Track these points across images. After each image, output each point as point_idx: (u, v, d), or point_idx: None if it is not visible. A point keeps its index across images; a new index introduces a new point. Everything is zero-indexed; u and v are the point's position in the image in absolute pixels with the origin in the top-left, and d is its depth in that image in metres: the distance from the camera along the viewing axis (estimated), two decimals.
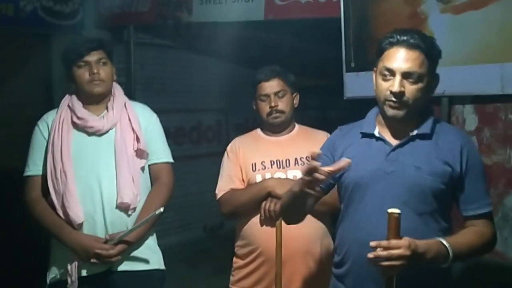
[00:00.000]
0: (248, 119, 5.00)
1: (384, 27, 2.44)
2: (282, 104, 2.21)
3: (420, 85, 1.57)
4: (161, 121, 2.22)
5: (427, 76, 1.58)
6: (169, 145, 2.22)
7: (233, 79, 4.91)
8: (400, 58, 1.56)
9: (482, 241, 1.60)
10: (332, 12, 2.80)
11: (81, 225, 1.99)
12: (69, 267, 1.97)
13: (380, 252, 1.40)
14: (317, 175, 1.44)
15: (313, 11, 2.97)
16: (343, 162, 1.47)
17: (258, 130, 2.33)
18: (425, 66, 1.57)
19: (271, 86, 2.21)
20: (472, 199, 1.61)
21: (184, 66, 4.77)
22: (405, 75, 1.55)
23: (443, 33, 2.36)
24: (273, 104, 2.20)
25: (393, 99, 1.56)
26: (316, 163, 1.43)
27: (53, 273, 2.06)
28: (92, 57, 2.04)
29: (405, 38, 1.56)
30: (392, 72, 1.56)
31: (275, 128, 2.26)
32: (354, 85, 2.66)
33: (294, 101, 2.28)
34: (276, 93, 2.21)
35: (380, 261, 1.41)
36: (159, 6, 3.67)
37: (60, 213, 1.99)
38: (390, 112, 1.59)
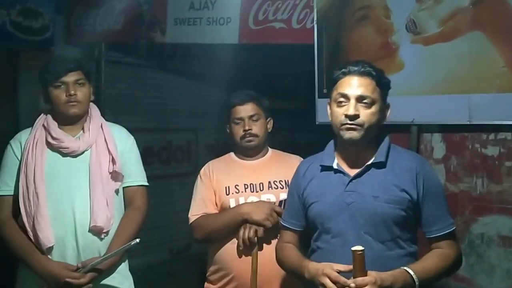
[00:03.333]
0: (219, 140, 4.98)
1: (356, 56, 2.51)
2: (256, 128, 2.22)
3: (373, 109, 1.66)
4: None
5: (379, 102, 1.67)
6: None
7: (204, 100, 4.90)
8: (353, 85, 1.66)
9: (447, 263, 1.64)
10: (305, 39, 2.85)
11: (51, 248, 1.92)
12: None
13: None
14: None
15: (287, 37, 3.01)
16: None
17: (232, 154, 2.33)
18: (376, 92, 1.67)
19: (246, 109, 2.22)
20: (434, 221, 1.67)
21: (155, 86, 4.74)
22: (359, 99, 1.65)
23: (413, 63, 2.44)
24: (247, 128, 2.20)
25: (349, 121, 1.63)
26: None
27: None
28: (70, 77, 1.99)
29: (356, 68, 1.68)
30: (346, 97, 1.66)
31: (248, 152, 2.26)
32: (326, 111, 2.70)
33: (268, 126, 2.29)
34: (250, 117, 2.22)
35: None
36: (132, 25, 3.65)
37: (30, 235, 1.92)
38: (346, 135, 1.65)
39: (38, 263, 1.90)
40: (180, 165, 5.06)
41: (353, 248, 1.44)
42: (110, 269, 1.99)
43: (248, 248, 2.07)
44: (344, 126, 1.65)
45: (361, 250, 1.43)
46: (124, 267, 2.08)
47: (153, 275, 4.31)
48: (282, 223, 1.90)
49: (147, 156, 4.68)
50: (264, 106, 2.28)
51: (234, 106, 2.24)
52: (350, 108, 1.64)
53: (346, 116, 1.64)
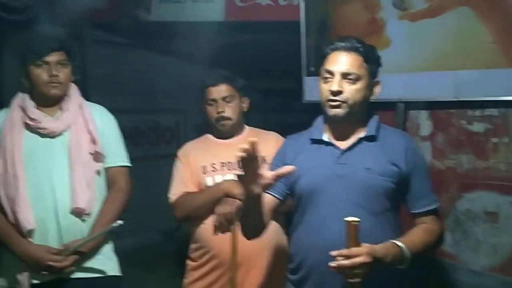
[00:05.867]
0: (208, 120, 4.95)
1: (343, 33, 2.47)
2: (229, 110, 2.20)
3: (358, 85, 1.65)
4: (118, 121, 2.16)
5: (366, 78, 1.66)
6: (126, 145, 2.16)
7: (193, 79, 4.82)
8: (339, 60, 1.66)
9: (433, 238, 1.67)
10: (293, 16, 2.82)
11: (32, 231, 1.90)
12: (19, 277, 1.89)
13: (342, 262, 1.43)
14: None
15: (274, 14, 2.98)
16: (285, 168, 1.52)
17: (208, 135, 2.32)
18: (363, 68, 1.66)
19: (218, 91, 2.19)
20: (420, 196, 1.70)
21: (142, 65, 4.69)
22: (344, 76, 1.64)
23: (400, 39, 2.41)
24: (219, 110, 2.18)
25: (332, 97, 1.63)
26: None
27: (1, 282, 1.96)
28: (53, 57, 1.95)
29: (343, 43, 1.67)
30: (331, 74, 1.65)
31: (223, 134, 2.26)
32: (313, 89, 2.68)
33: (243, 105, 2.28)
34: (223, 98, 2.19)
35: (343, 269, 1.44)
36: (117, 4, 3.59)
37: (11, 218, 1.90)
38: (331, 112, 1.66)
39: (19, 247, 1.88)
40: (169, 146, 5.05)
41: (348, 219, 1.43)
42: (93, 251, 1.98)
43: (225, 225, 2.08)
44: (328, 103, 1.66)
45: (356, 221, 1.43)
46: (108, 248, 2.07)
47: (144, 256, 4.33)
48: None
49: (136, 137, 4.65)
50: (238, 86, 2.24)
51: (207, 87, 2.21)
52: (334, 84, 1.64)
53: (331, 92, 1.63)
